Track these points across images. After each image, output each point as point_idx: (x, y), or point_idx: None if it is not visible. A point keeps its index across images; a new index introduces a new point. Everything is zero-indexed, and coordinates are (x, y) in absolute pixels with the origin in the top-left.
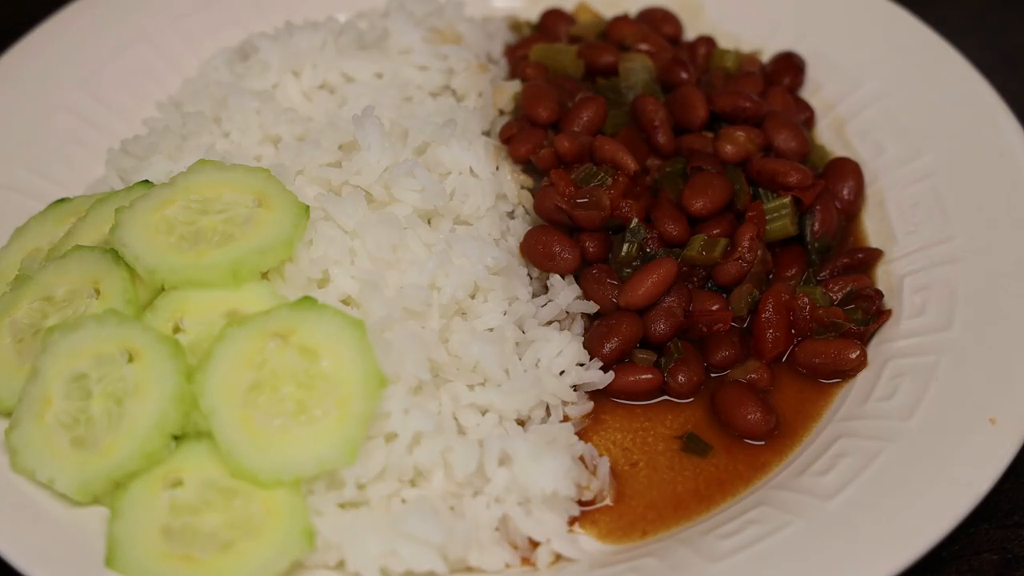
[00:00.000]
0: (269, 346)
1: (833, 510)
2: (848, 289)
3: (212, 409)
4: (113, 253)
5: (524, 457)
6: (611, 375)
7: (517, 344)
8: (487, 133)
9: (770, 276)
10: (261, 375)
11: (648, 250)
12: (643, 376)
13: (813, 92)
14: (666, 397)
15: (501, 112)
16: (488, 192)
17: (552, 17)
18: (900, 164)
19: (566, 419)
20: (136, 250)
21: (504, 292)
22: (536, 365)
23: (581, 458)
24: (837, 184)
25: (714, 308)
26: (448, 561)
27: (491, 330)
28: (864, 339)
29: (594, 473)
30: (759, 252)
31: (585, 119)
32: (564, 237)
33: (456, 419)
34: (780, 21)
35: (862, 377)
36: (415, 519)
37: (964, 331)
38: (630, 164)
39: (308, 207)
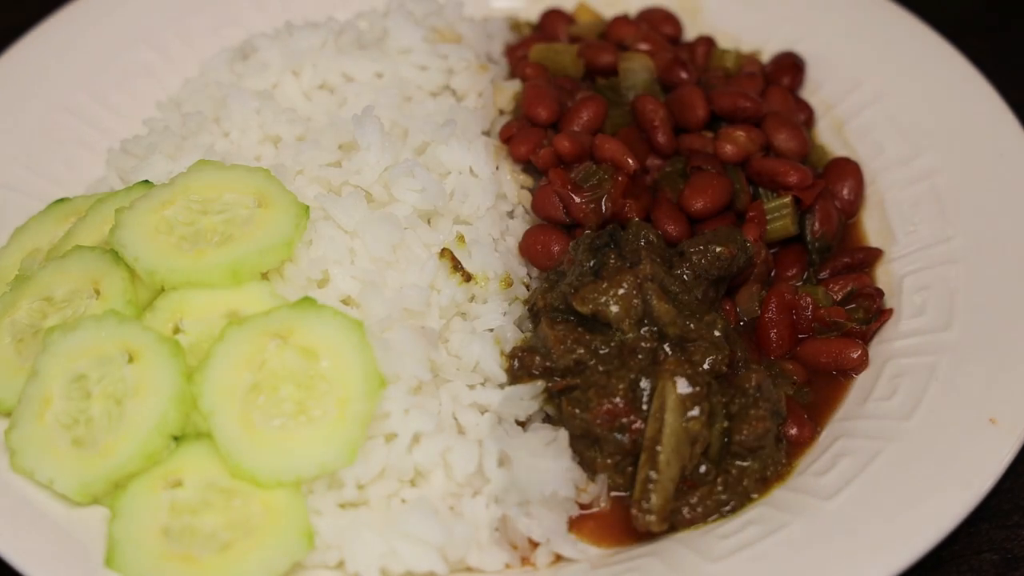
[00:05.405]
0: (269, 347)
1: (833, 510)
2: (849, 288)
3: (212, 410)
4: (113, 253)
5: (524, 457)
6: None
7: None
8: (487, 133)
9: (771, 276)
10: (261, 376)
11: None
12: None
13: (813, 92)
14: None
15: (501, 112)
16: (488, 192)
17: (552, 17)
18: (900, 164)
19: None
20: (136, 250)
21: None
22: None
23: None
24: (837, 184)
25: None
26: (448, 561)
27: (491, 330)
28: (866, 338)
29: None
30: (761, 252)
31: (585, 119)
32: (564, 236)
33: (456, 419)
34: (780, 21)
35: (862, 377)
36: (415, 519)
37: (964, 331)
38: (630, 164)
39: (308, 207)
